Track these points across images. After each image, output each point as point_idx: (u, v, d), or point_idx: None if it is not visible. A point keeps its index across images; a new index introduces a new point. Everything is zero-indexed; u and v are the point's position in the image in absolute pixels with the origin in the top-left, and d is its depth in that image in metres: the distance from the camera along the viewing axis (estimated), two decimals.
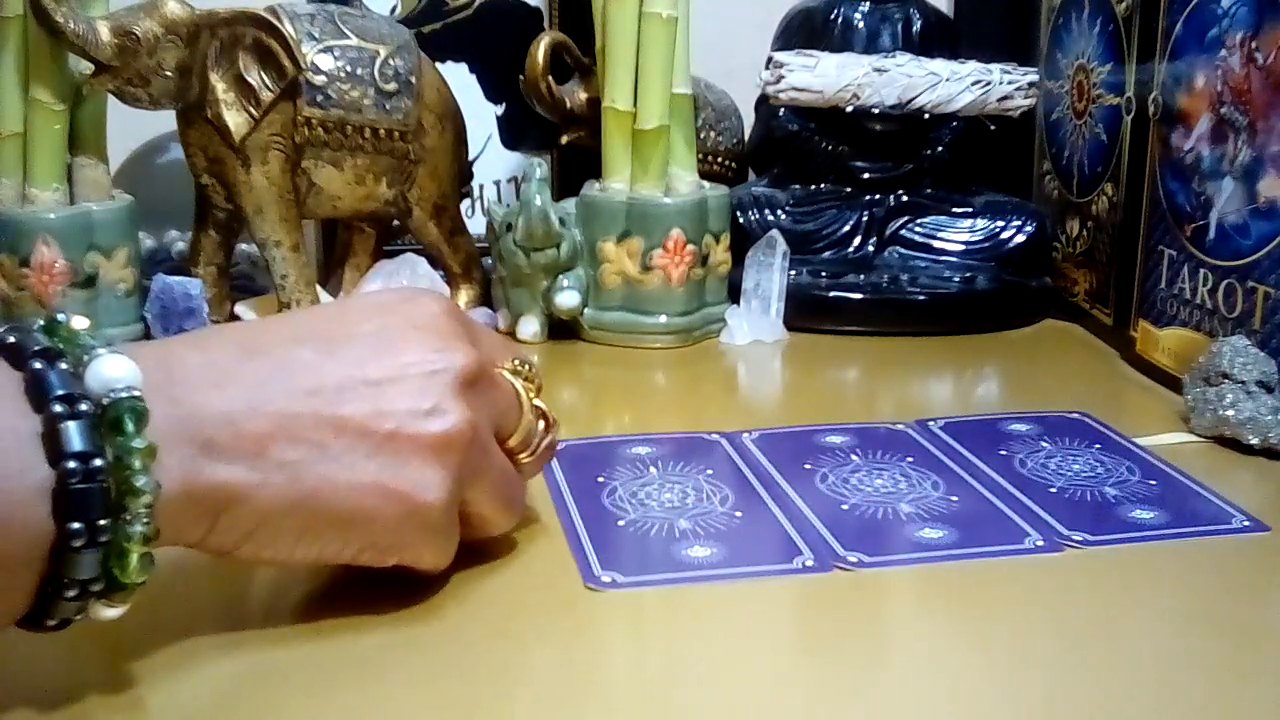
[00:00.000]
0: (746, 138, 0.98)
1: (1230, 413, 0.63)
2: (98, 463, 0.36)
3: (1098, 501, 0.56)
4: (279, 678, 0.42)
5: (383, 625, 0.45)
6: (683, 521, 0.53)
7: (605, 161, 0.82)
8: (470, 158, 0.89)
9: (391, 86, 0.79)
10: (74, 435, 0.36)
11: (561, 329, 0.81)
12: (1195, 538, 0.53)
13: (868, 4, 0.92)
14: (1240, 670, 0.43)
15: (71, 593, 0.37)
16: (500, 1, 0.94)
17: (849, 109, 0.87)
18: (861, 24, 0.92)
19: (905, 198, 0.90)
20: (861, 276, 0.86)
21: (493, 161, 0.96)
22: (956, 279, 0.87)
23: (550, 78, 0.84)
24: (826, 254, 0.89)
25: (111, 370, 0.37)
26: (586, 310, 0.81)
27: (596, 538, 0.52)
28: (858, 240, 0.89)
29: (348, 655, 0.43)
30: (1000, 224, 0.89)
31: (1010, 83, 0.88)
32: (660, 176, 0.81)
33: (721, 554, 0.51)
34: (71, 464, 0.35)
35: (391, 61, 0.79)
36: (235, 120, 0.74)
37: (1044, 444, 0.63)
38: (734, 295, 0.84)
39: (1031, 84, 0.89)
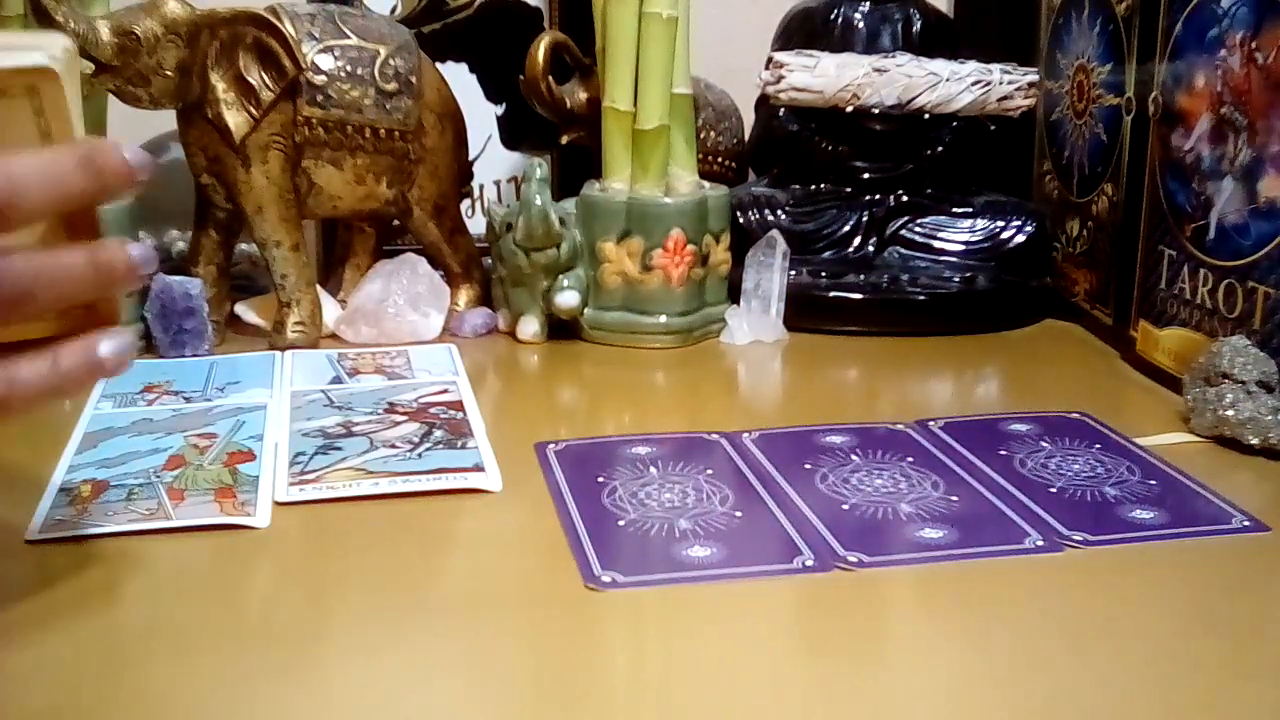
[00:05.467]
0: (746, 138, 0.98)
1: (1230, 413, 0.63)
2: None
3: (1098, 501, 0.56)
4: (278, 675, 0.42)
5: (381, 623, 0.45)
6: (683, 521, 0.53)
7: (605, 161, 0.82)
8: (470, 158, 0.89)
9: (391, 86, 0.79)
10: None
11: (561, 329, 0.81)
12: (1195, 538, 0.53)
13: (868, 4, 0.92)
14: (1240, 670, 0.43)
15: None
16: (500, 1, 0.94)
17: (849, 109, 0.87)
18: (861, 24, 0.92)
19: (905, 198, 0.90)
20: (861, 276, 0.86)
21: (493, 161, 0.96)
22: (956, 279, 0.87)
23: (550, 78, 0.84)
24: (826, 254, 0.89)
25: None
26: (586, 310, 0.81)
27: (596, 538, 0.52)
28: (858, 240, 0.89)
29: (345, 653, 0.43)
30: (1000, 224, 0.89)
31: (1010, 83, 0.88)
32: (660, 176, 0.81)
33: (721, 554, 0.51)
34: None
35: (391, 61, 0.79)
36: (235, 120, 0.74)
37: (1044, 444, 0.63)
38: (734, 295, 0.84)
39: (1031, 84, 0.89)
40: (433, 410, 0.66)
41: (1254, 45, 0.66)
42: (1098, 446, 0.63)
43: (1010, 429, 0.65)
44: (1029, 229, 0.89)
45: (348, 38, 0.78)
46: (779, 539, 0.52)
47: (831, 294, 0.85)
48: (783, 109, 0.90)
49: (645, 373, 0.77)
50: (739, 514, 0.54)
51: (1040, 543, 0.52)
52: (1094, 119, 0.84)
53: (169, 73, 0.73)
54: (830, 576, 0.49)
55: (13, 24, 0.74)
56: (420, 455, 0.60)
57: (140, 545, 0.51)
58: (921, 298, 0.85)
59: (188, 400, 0.67)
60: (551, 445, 0.62)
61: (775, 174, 0.93)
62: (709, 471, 0.59)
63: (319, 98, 0.76)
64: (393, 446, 0.61)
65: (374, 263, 0.84)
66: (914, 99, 0.87)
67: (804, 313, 0.83)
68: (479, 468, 0.59)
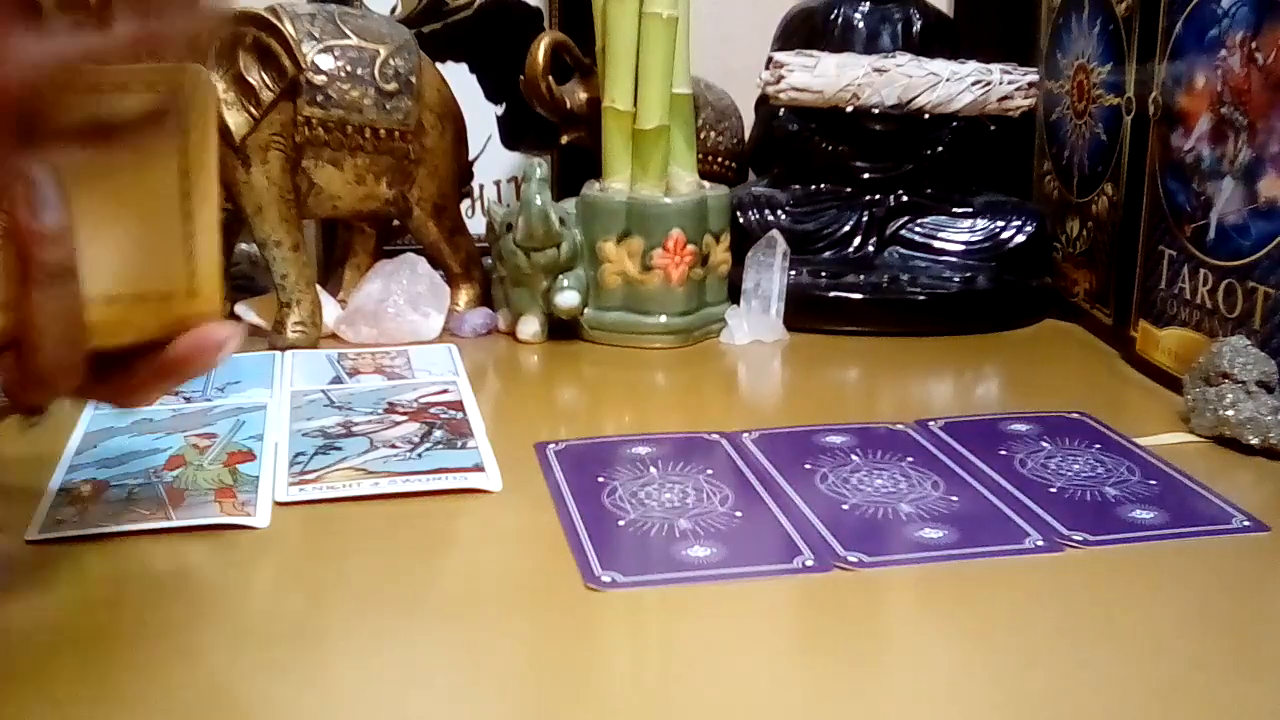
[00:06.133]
0: (746, 138, 0.98)
1: (1230, 413, 0.63)
2: None
3: (1098, 501, 0.56)
4: (278, 675, 0.42)
5: (381, 623, 0.45)
6: (683, 521, 0.53)
7: (605, 161, 0.82)
8: (470, 158, 0.89)
9: (391, 86, 0.79)
10: None
11: (561, 329, 0.81)
12: (1195, 538, 0.53)
13: (868, 4, 0.92)
14: (1240, 670, 0.43)
15: None
16: (500, 1, 0.94)
17: (849, 109, 0.87)
18: (861, 24, 0.92)
19: (905, 198, 0.90)
20: (861, 276, 0.86)
21: (493, 161, 0.96)
22: (956, 279, 0.87)
23: (550, 78, 0.84)
24: (826, 254, 0.89)
25: None
26: (586, 310, 0.81)
27: (596, 538, 0.52)
28: (858, 240, 0.89)
29: (345, 653, 0.43)
30: (1000, 224, 0.89)
31: (1010, 83, 0.88)
32: (660, 176, 0.81)
33: (721, 554, 0.51)
34: None
35: (391, 61, 0.79)
36: (235, 120, 0.74)
37: (1044, 444, 0.63)
38: (734, 295, 0.84)
39: (1031, 84, 0.89)
40: (433, 410, 0.66)
41: (1254, 45, 0.66)
42: (1098, 446, 0.63)
43: (1010, 429, 0.65)
44: (1029, 229, 0.89)
45: (348, 38, 0.78)
46: (779, 539, 0.52)
47: (831, 294, 0.85)
48: (783, 109, 0.90)
49: (645, 373, 0.77)
50: (739, 514, 0.54)
51: (1040, 543, 0.52)
52: (1094, 119, 0.84)
53: None
54: (830, 576, 0.49)
55: None
56: (420, 455, 0.60)
57: (140, 545, 0.51)
58: (921, 298, 0.85)
59: (188, 400, 0.67)
60: (551, 445, 0.62)
61: (775, 174, 0.93)
62: (709, 471, 0.59)
63: (319, 98, 0.76)
64: (393, 446, 0.61)
65: (374, 263, 0.84)
66: (914, 99, 0.87)
67: (804, 313, 0.83)
68: (479, 468, 0.59)
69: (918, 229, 0.90)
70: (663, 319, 0.81)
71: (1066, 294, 0.89)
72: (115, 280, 0.42)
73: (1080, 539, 0.52)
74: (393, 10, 0.91)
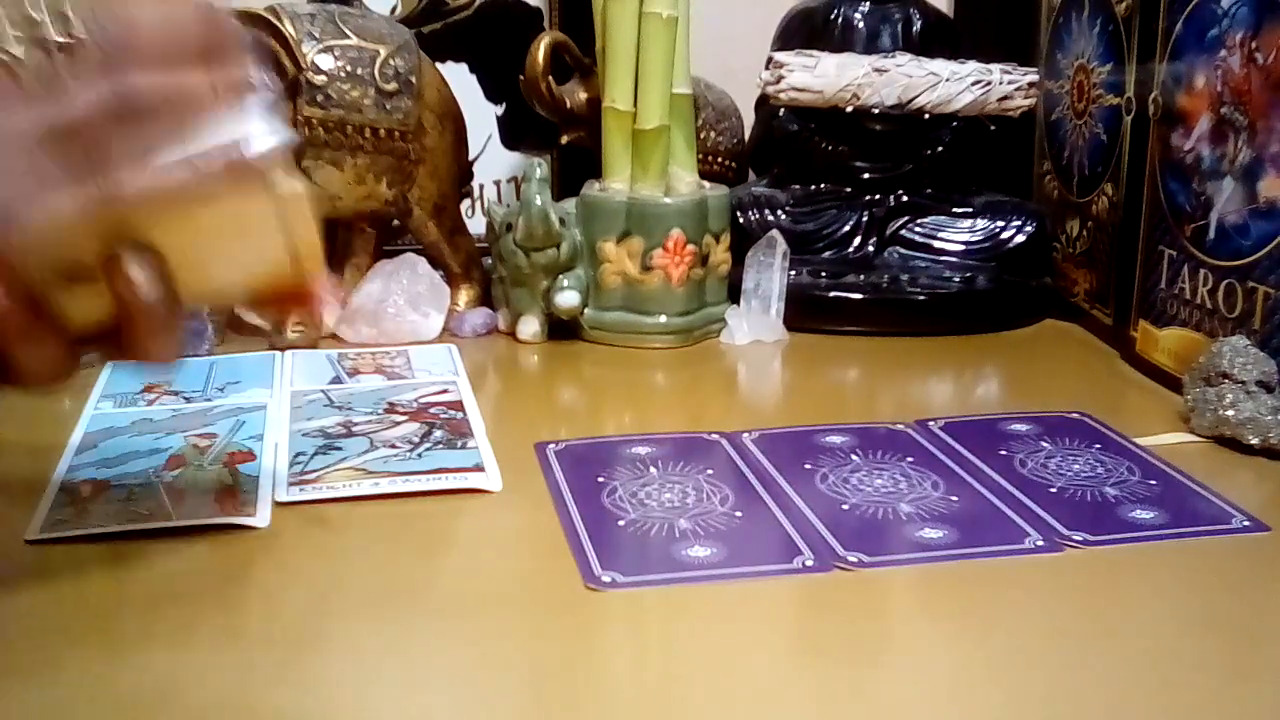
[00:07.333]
0: (746, 138, 0.98)
1: (1230, 413, 0.63)
2: None
3: (1098, 501, 0.56)
4: (278, 675, 0.42)
5: (381, 623, 0.45)
6: (683, 521, 0.53)
7: (605, 161, 0.82)
8: (470, 158, 0.89)
9: (391, 86, 0.79)
10: None
11: (561, 329, 0.81)
12: (1195, 538, 0.53)
13: (868, 4, 0.92)
14: (1240, 670, 0.43)
15: None
16: (500, 1, 0.94)
17: (849, 109, 0.87)
18: (861, 24, 0.92)
19: (905, 198, 0.90)
20: (861, 276, 0.86)
21: (493, 161, 0.96)
22: (956, 279, 0.87)
23: (550, 78, 0.84)
24: (826, 254, 0.89)
25: None
26: (586, 310, 0.81)
27: (596, 538, 0.52)
28: (858, 240, 0.89)
29: (345, 653, 0.43)
30: (1000, 224, 0.89)
31: (1010, 83, 0.88)
32: (660, 176, 0.81)
33: (721, 554, 0.51)
34: None
35: (391, 61, 0.79)
36: None
37: (1044, 444, 0.63)
38: (734, 295, 0.84)
39: (1031, 84, 0.89)
40: (433, 410, 0.66)
41: (1254, 45, 0.66)
42: (1098, 446, 0.63)
43: (1010, 429, 0.65)
44: (1029, 229, 0.89)
45: (348, 38, 0.78)
46: (779, 539, 0.52)
47: (831, 294, 0.85)
48: (783, 109, 0.90)
49: (645, 373, 0.77)
50: (739, 514, 0.54)
51: (1040, 543, 0.52)
52: (1094, 119, 0.84)
53: None
54: (830, 576, 0.49)
55: None
56: (420, 455, 0.60)
57: (140, 545, 0.51)
58: (921, 298, 0.85)
59: (188, 400, 0.67)
60: (551, 445, 0.62)
61: (775, 174, 0.93)
62: (709, 471, 0.59)
63: (319, 98, 0.77)
64: (393, 446, 0.61)
65: (374, 263, 0.84)
66: (914, 99, 0.87)
67: (804, 313, 0.83)
68: (479, 468, 0.59)
69: (918, 229, 0.90)
70: (663, 319, 0.81)
71: (1066, 294, 0.89)
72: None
73: (1080, 539, 0.52)
74: (393, 10, 0.91)
